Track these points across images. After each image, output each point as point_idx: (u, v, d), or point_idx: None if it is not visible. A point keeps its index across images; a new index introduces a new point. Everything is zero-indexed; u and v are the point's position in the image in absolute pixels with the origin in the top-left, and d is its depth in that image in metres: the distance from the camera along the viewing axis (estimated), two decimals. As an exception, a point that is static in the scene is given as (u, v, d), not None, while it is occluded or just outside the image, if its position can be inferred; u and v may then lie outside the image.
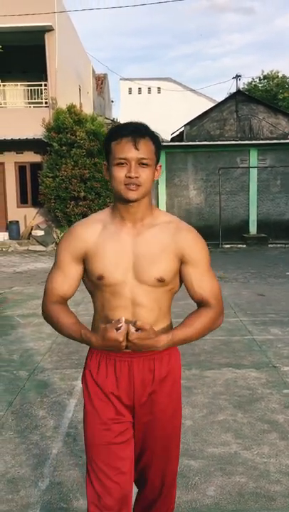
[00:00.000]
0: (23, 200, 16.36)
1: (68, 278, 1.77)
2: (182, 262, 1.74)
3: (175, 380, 1.82)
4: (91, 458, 1.78)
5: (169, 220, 1.77)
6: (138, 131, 1.64)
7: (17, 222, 15.88)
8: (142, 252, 1.69)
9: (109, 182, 1.71)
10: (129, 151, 1.62)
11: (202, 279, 1.77)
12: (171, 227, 1.74)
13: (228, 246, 15.37)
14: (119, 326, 1.56)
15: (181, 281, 1.80)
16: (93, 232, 1.73)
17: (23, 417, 3.60)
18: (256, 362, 4.70)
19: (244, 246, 15.34)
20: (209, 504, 2.56)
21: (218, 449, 3.11)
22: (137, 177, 1.63)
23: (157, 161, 1.70)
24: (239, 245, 15.43)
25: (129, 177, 1.63)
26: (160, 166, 1.73)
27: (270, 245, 15.41)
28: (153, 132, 1.69)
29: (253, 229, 16.20)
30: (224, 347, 5.15)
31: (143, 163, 1.64)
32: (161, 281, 1.69)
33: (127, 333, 1.57)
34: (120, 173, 1.64)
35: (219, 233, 15.60)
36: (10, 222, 15.95)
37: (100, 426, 1.76)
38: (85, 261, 1.74)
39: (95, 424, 1.77)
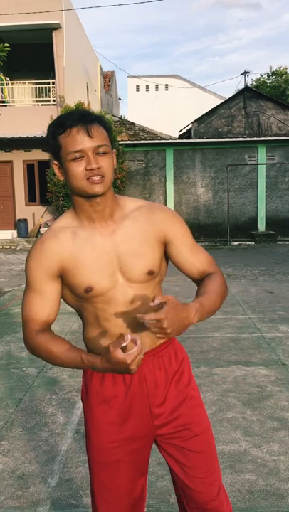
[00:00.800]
0: (31, 198, 16.44)
1: (48, 300, 1.54)
2: (166, 243, 1.60)
3: (188, 372, 1.70)
4: (97, 478, 1.61)
5: (138, 205, 1.62)
6: (86, 117, 1.46)
7: (25, 220, 15.96)
8: (123, 249, 1.54)
9: (66, 182, 1.52)
10: (82, 141, 1.43)
11: (195, 253, 1.64)
12: (143, 212, 1.59)
13: (236, 243, 15.32)
14: (124, 344, 1.32)
15: (167, 263, 1.68)
16: (65, 242, 1.53)
17: (33, 414, 3.61)
18: (265, 359, 4.68)
19: (252, 243, 15.28)
20: (219, 501, 2.56)
21: (227, 446, 3.10)
22: (98, 167, 1.45)
23: (112, 147, 1.52)
24: (247, 242, 15.37)
25: (91, 169, 1.44)
26: (114, 153, 1.54)
27: (278, 242, 15.34)
28: (100, 116, 1.52)
29: (261, 226, 16.13)
30: (233, 344, 5.14)
31: (100, 152, 1.46)
32: (151, 274, 1.56)
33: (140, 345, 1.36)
34: (79, 168, 1.45)
35: (227, 230, 15.55)
36: (18, 220, 16.02)
37: (108, 444, 1.58)
38: (62, 277, 1.54)
39: (102, 443, 1.59)
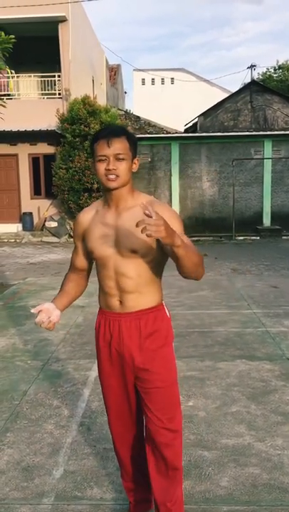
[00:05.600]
0: (36, 192, 16.41)
1: (79, 254, 2.25)
2: None
3: (163, 335, 2.12)
4: (103, 394, 2.26)
5: (146, 200, 2.00)
6: (113, 132, 1.99)
7: (30, 213, 15.95)
8: (120, 229, 2.03)
9: (96, 177, 2.08)
10: (105, 148, 1.97)
11: None
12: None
13: (241, 238, 15.28)
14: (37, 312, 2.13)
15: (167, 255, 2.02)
16: (88, 216, 2.16)
17: (38, 406, 3.63)
18: (270, 354, 4.68)
19: (258, 238, 15.23)
20: (223, 495, 2.57)
21: (231, 440, 3.11)
22: (114, 169, 1.97)
23: (134, 155, 2.03)
24: (253, 237, 15.32)
25: (108, 169, 1.97)
26: (138, 160, 2.07)
27: (284, 237, 15.29)
28: (128, 132, 2.03)
29: (266, 221, 16.07)
30: (237, 339, 5.14)
31: (119, 158, 1.97)
32: (134, 252, 2.00)
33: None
34: (101, 167, 1.99)
35: (232, 225, 15.51)
36: (24, 213, 16.02)
37: (105, 372, 2.20)
38: (83, 240, 2.18)
39: (102, 370, 2.21)
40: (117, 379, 2.17)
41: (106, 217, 2.08)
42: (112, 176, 1.97)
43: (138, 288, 2.04)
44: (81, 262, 2.25)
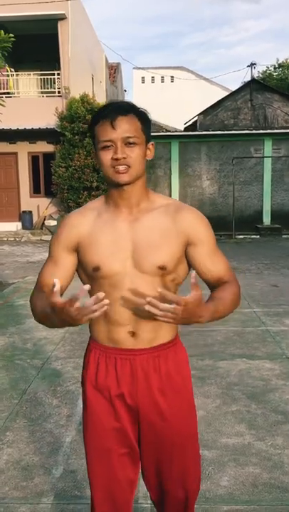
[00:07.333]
0: (36, 190, 16.40)
1: (60, 269, 1.61)
2: (188, 244, 1.59)
3: (184, 376, 1.68)
4: (90, 463, 1.68)
5: (168, 202, 1.63)
6: (119, 109, 1.51)
7: (30, 212, 15.94)
8: (140, 238, 1.56)
9: (100, 169, 1.58)
10: (110, 131, 1.49)
11: (214, 258, 1.62)
12: (170, 210, 1.60)
13: (241, 237, 15.26)
14: (55, 284, 1.34)
15: (188, 268, 1.65)
16: (87, 220, 1.61)
17: (37, 405, 3.62)
18: (270, 353, 4.67)
19: (258, 237, 15.21)
20: (223, 494, 2.56)
21: (231, 439, 3.10)
22: (124, 158, 1.50)
23: (147, 139, 1.56)
24: (253, 236, 15.30)
25: (116, 159, 1.50)
26: (152, 145, 1.59)
27: (284, 236, 15.26)
28: (138, 108, 1.55)
29: (266, 219, 16.05)
30: (237, 338, 5.13)
31: (130, 143, 1.50)
32: (162, 269, 1.54)
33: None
34: (107, 157, 1.51)
35: (232, 224, 15.47)
36: (23, 212, 16.01)
37: (101, 432, 1.64)
38: (78, 252, 1.61)
39: (95, 429, 1.65)
40: (118, 437, 1.63)
41: (116, 222, 1.58)
42: (121, 168, 1.50)
43: None
44: (62, 280, 1.56)
